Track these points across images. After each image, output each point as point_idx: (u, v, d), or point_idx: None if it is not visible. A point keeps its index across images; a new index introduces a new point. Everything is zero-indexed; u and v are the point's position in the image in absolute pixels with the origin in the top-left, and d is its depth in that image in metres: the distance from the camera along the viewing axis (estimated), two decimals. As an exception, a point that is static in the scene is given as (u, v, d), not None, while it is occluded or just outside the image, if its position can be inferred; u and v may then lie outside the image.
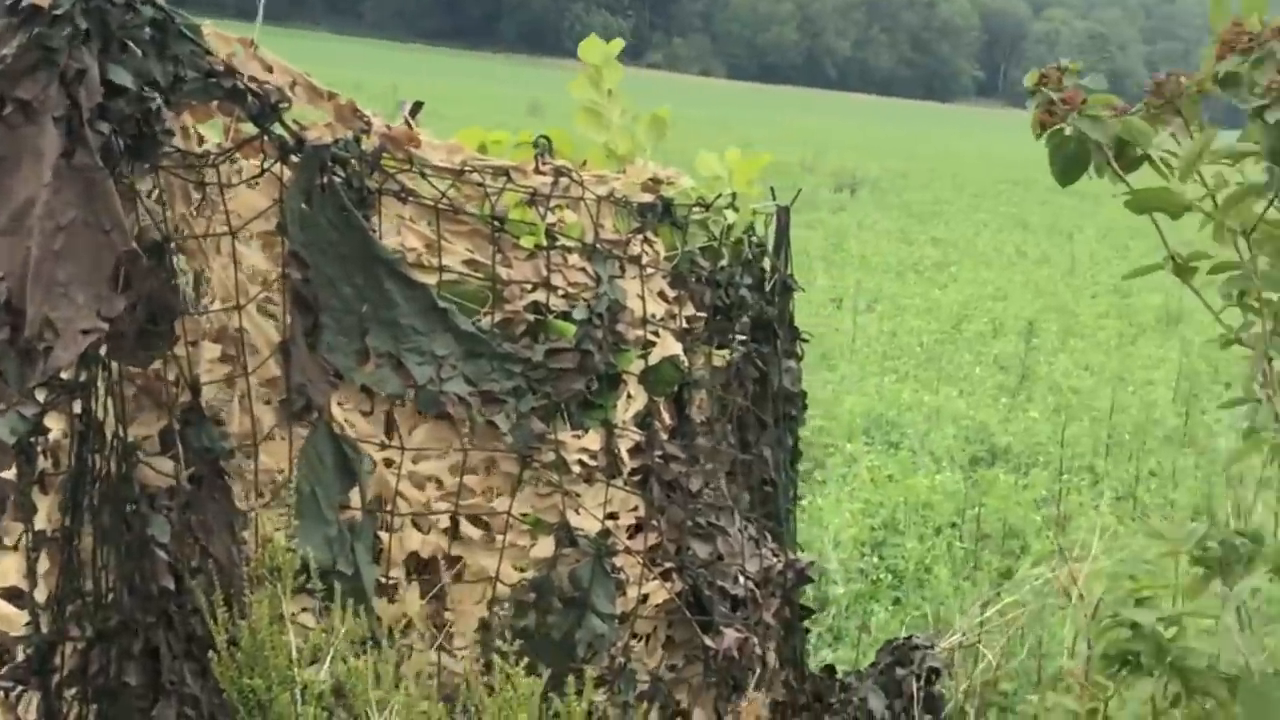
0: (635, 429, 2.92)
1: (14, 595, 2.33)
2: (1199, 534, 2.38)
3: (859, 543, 6.10)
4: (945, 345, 11.40)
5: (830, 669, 3.59)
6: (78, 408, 2.39)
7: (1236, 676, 2.16)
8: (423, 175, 2.63)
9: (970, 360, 10.80)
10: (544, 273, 2.78)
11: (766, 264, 3.42)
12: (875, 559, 6.04)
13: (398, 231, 2.59)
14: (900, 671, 3.38)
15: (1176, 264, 2.37)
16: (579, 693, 2.45)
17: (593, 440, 2.83)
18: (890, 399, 8.90)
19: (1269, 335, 2.34)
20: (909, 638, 3.55)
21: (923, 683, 3.36)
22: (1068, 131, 2.26)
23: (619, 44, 3.14)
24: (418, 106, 3.37)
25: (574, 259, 2.84)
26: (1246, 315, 2.40)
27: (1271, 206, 2.27)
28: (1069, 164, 2.28)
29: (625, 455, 2.90)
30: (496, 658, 2.37)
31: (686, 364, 3.03)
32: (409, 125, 3.21)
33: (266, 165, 2.52)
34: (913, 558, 5.96)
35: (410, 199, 2.61)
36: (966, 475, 7.19)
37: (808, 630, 3.56)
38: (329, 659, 2.32)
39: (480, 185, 2.69)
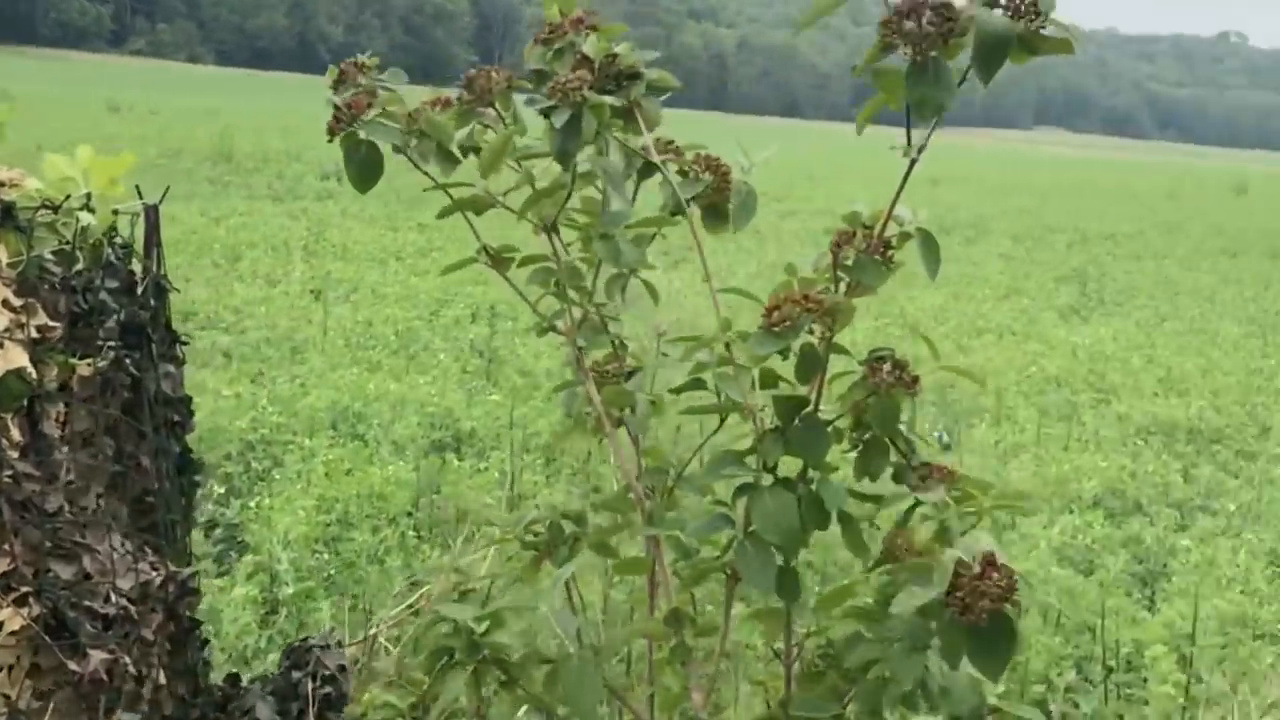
0: (-25, 449, 2.74)
1: None
2: (527, 518, 2.45)
3: (311, 540, 6.02)
4: (421, 332, 11.42)
5: (234, 678, 3.51)
6: None
7: (554, 660, 2.22)
8: None
9: (442, 346, 10.86)
10: None
11: (138, 266, 3.29)
12: (327, 555, 5.98)
13: None
14: (297, 674, 3.33)
15: (491, 255, 2.41)
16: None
17: (-80, 465, 2.63)
18: (358, 390, 8.84)
19: (579, 324, 2.42)
20: (305, 639, 3.51)
21: (320, 683, 3.33)
22: (361, 135, 2.25)
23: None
24: None
25: (-109, 271, 2.63)
26: (560, 304, 2.47)
27: (570, 202, 2.34)
28: (364, 168, 2.27)
29: (-35, 478, 2.71)
30: None
31: (36, 376, 2.86)
32: None
33: None
34: (364, 551, 5.93)
35: None
36: (419, 462, 7.20)
37: (205, 641, 3.45)
38: None
39: None
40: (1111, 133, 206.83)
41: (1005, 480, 7.85)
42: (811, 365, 2.12)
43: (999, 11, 1.96)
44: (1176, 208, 38.08)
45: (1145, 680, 5.07)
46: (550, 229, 2.36)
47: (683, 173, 2.54)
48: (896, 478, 2.32)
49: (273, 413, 7.92)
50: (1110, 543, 6.80)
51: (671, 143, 2.59)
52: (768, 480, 2.17)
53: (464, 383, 9.59)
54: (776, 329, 2.07)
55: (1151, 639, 5.23)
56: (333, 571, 5.72)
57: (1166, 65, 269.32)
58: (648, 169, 2.53)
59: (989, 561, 1.96)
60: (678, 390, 2.29)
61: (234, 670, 4.21)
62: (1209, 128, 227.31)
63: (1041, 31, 1.98)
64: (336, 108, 2.23)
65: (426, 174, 2.29)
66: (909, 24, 1.96)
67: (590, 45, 2.32)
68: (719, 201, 2.53)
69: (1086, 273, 19.22)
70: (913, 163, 2.11)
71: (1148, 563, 6.73)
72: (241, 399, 8.25)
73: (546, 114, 2.20)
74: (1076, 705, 5.08)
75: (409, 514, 6.53)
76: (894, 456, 2.35)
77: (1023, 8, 1.96)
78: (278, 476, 7.00)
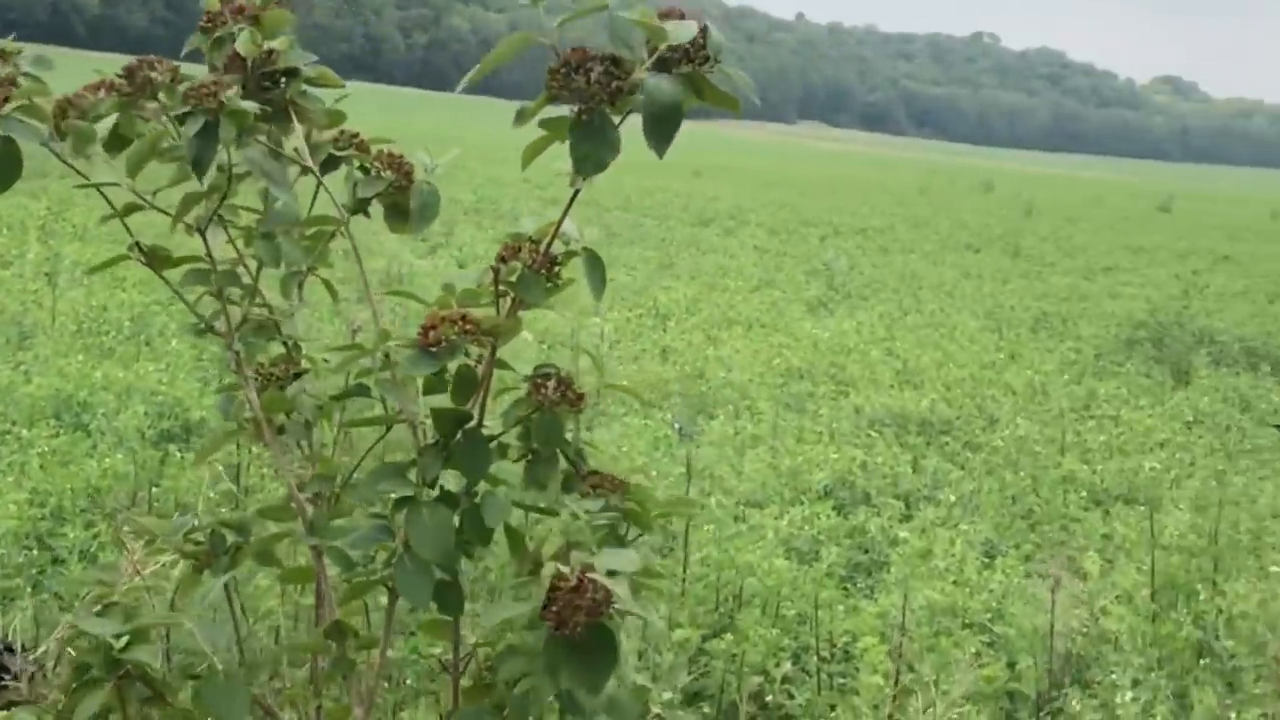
0: None
1: None
2: (186, 527, 2.36)
3: (21, 535, 5.79)
4: (157, 317, 11.05)
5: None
6: None
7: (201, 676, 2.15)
8: None
9: (178, 332, 10.52)
10: None
11: None
12: (37, 551, 5.75)
13: None
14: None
15: (145, 253, 2.32)
16: None
17: None
18: (84, 378, 8.50)
19: (238, 325, 2.35)
20: (-24, 648, 3.35)
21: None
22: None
23: None
24: None
25: None
26: (219, 304, 2.40)
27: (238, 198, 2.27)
28: (1, 167, 2.14)
29: None
30: None
31: None
32: None
33: None
34: (76, 547, 5.72)
35: None
36: (138, 455, 6.96)
37: None
38: None
39: None
40: (870, 128, 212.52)
41: (740, 471, 7.95)
42: (466, 389, 2.08)
43: (670, 55, 1.93)
44: (926, 203, 39.28)
45: (858, 670, 5.19)
46: (203, 230, 2.28)
47: (364, 170, 2.48)
48: (566, 487, 2.31)
49: (-13, 400, 7.58)
50: (836, 533, 6.93)
51: (356, 135, 2.53)
52: (427, 495, 2.13)
53: (198, 370, 9.31)
54: (433, 349, 2.03)
55: (865, 629, 5.35)
56: (38, 569, 5.50)
57: (923, 64, 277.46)
58: (331, 162, 2.47)
59: (584, 575, 1.93)
60: (339, 397, 2.23)
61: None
62: (962, 126, 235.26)
63: (710, 79, 1.96)
64: (-36, 95, 2.09)
65: (79, 171, 2.19)
66: (577, 79, 1.94)
67: (243, 43, 2.23)
68: (401, 201, 2.48)
69: (835, 266, 19.66)
70: (576, 191, 2.10)
71: (871, 553, 6.90)
72: (-42, 387, 7.88)
73: (181, 120, 2.11)
74: (792, 696, 5.17)
75: (129, 506, 6.31)
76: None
77: (692, 53, 1.94)
78: (-14, 470, 6.69)
